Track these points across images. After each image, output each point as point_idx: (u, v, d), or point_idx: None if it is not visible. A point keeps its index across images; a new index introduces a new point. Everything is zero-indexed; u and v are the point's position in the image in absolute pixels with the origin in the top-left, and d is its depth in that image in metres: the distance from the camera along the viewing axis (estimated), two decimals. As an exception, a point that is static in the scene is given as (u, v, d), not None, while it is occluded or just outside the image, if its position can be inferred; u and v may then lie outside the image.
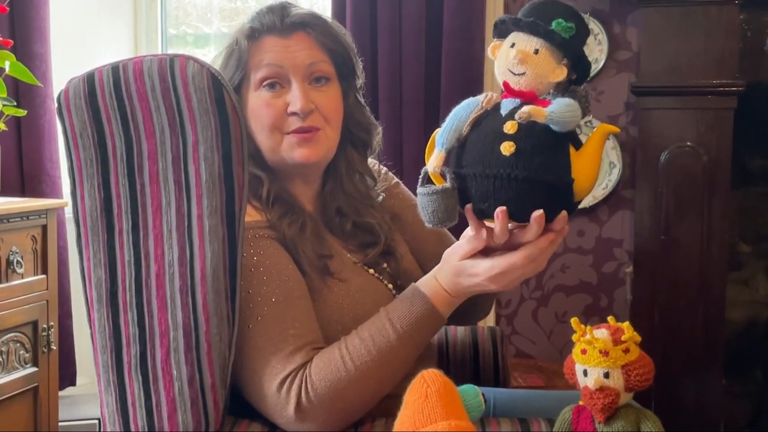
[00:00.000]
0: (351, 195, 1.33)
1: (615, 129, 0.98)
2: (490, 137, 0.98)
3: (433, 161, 1.01)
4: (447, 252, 1.12)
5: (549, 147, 0.96)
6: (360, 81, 1.35)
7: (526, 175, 0.95)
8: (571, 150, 0.97)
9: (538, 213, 0.96)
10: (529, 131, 0.95)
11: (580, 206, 2.48)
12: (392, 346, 1.09)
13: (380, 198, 1.38)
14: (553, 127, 0.95)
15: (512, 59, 0.97)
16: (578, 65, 0.99)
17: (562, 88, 0.99)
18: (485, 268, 1.05)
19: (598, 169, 0.98)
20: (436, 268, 1.14)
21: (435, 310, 1.11)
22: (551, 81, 0.97)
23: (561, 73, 0.97)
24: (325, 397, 1.06)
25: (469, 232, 1.07)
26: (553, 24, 0.97)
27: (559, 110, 0.94)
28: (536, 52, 0.97)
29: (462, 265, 1.08)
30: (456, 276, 1.09)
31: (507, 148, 0.95)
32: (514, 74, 0.98)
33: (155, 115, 1.08)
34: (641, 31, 2.32)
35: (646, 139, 2.22)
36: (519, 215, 0.98)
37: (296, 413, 1.07)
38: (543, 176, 0.95)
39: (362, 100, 1.36)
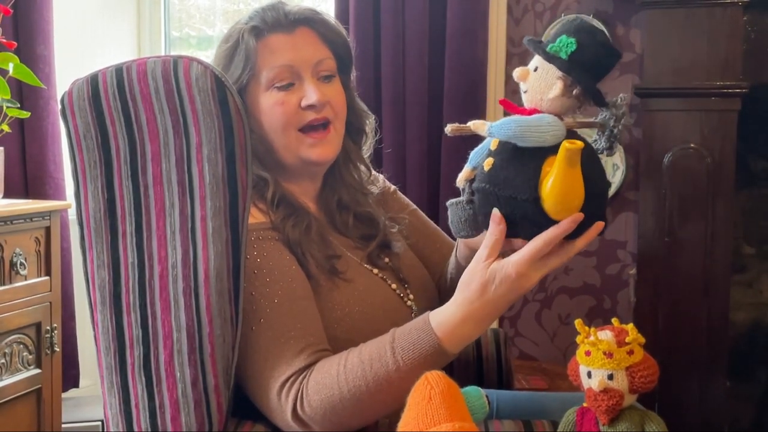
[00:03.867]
0: (350, 185, 1.35)
1: (576, 145, 0.91)
2: (485, 154, 1.02)
3: (460, 175, 1.07)
4: (463, 276, 1.04)
5: (516, 163, 0.97)
6: (353, 71, 1.39)
7: (492, 189, 0.98)
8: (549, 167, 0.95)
9: (496, 215, 0.99)
10: (503, 147, 0.98)
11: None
12: (390, 378, 1.03)
13: (375, 190, 1.40)
14: (518, 143, 0.96)
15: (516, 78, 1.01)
16: (576, 80, 0.97)
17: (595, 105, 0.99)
18: (508, 262, 0.99)
19: (569, 187, 0.93)
20: (455, 294, 1.05)
21: (441, 349, 1.03)
22: (550, 97, 0.97)
23: (556, 89, 0.96)
24: (319, 411, 1.05)
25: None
26: (557, 40, 0.97)
27: (498, 124, 0.96)
28: (536, 69, 0.98)
29: (485, 273, 1.01)
30: (481, 292, 1.01)
31: (487, 163, 1.00)
32: (523, 92, 1.01)
33: (159, 117, 1.08)
34: (645, 32, 2.32)
35: (650, 140, 2.22)
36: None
37: (293, 419, 1.07)
38: (505, 191, 0.97)
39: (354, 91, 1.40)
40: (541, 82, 0.97)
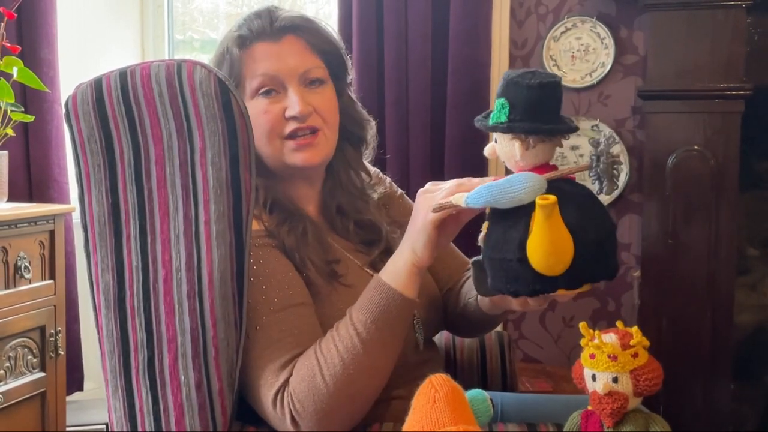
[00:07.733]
0: (349, 191, 1.35)
1: (549, 200, 0.87)
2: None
3: (480, 236, 1.04)
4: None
5: (504, 224, 0.95)
6: (350, 77, 1.36)
7: (488, 253, 0.97)
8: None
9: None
10: (494, 210, 0.97)
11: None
12: (354, 340, 1.07)
13: (376, 195, 1.40)
14: (496, 207, 0.95)
15: None
16: (523, 133, 0.95)
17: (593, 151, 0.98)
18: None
19: (551, 242, 0.89)
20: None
21: (397, 295, 1.09)
22: (518, 159, 0.96)
23: (517, 150, 0.95)
24: (308, 405, 1.05)
25: None
26: (495, 106, 0.97)
27: (472, 194, 0.97)
28: (495, 141, 0.99)
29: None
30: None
31: (484, 228, 0.99)
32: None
33: (163, 121, 1.08)
34: (648, 35, 2.32)
35: (654, 143, 2.22)
36: (501, 291, 0.98)
37: (293, 426, 1.07)
38: (495, 254, 0.95)
39: (354, 96, 1.38)
40: (504, 150, 0.97)
